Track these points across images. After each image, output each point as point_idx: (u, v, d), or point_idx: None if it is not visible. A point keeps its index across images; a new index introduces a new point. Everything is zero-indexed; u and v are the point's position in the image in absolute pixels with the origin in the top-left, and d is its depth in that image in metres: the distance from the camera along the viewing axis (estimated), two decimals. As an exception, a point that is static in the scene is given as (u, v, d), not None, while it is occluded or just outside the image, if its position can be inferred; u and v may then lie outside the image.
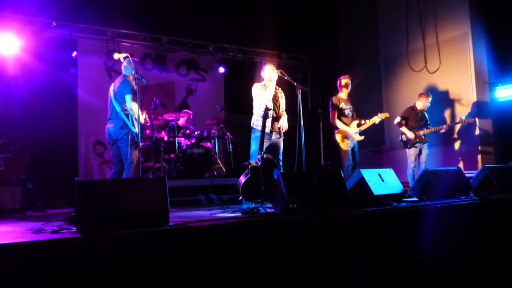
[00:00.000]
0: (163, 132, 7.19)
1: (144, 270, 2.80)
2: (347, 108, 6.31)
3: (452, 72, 8.32)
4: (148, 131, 7.00)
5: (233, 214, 4.21)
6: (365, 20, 10.20)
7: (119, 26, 8.04)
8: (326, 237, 3.53)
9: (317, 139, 8.22)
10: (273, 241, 3.30)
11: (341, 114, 6.30)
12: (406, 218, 4.09)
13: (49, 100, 7.45)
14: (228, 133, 7.72)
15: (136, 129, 4.87)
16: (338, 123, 6.27)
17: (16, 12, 7.10)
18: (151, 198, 3.32)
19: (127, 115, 4.98)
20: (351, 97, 6.55)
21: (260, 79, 5.50)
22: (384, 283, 3.66)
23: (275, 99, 5.33)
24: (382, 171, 4.82)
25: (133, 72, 4.81)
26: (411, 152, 6.84)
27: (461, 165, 7.89)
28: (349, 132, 6.20)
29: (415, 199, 4.89)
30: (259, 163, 4.68)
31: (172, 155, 7.00)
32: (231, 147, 7.76)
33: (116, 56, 5.04)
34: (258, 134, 5.03)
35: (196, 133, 7.29)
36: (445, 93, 8.46)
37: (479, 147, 7.89)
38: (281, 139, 5.37)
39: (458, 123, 6.78)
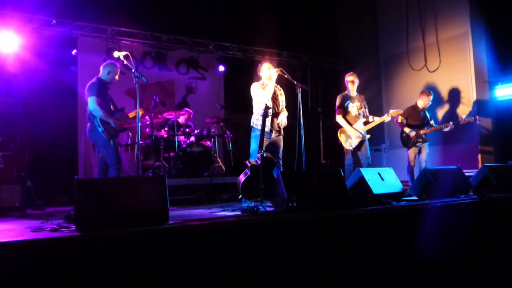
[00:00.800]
0: (163, 130, 7.19)
1: (143, 269, 2.80)
2: (353, 106, 6.18)
3: (452, 71, 8.32)
4: (148, 129, 7.00)
5: (232, 212, 4.21)
6: (365, 18, 10.20)
7: (119, 24, 8.03)
8: (325, 236, 3.53)
9: (317, 138, 8.21)
10: (272, 240, 3.30)
11: (346, 112, 6.21)
12: (406, 217, 4.09)
13: (49, 98, 7.43)
14: (228, 132, 7.72)
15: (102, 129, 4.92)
16: (341, 121, 6.16)
17: (16, 10, 7.10)
18: (151, 197, 3.32)
19: (93, 118, 4.98)
20: (363, 94, 6.44)
21: (259, 78, 5.48)
22: (383, 282, 3.66)
23: (274, 97, 5.32)
24: (382, 170, 4.82)
25: (133, 70, 4.80)
26: (411, 151, 6.82)
27: (460, 164, 7.88)
28: (351, 131, 6.11)
29: (414, 198, 4.89)
30: (259, 162, 4.67)
31: (172, 154, 7.00)
32: (231, 145, 7.75)
33: (116, 54, 5.05)
34: (258, 133, 5.02)
35: (196, 131, 7.28)
36: (445, 92, 8.45)
37: (479, 146, 7.89)
38: (281, 137, 5.35)
39: (458, 122, 6.77)
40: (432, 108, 7.19)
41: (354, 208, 4.02)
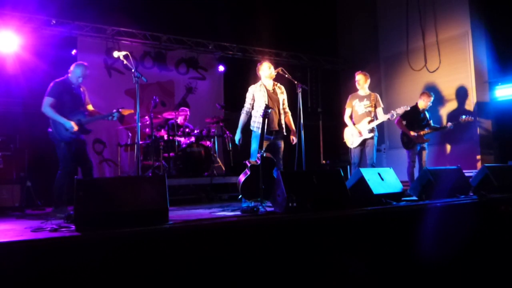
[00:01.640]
0: (162, 130, 7.18)
1: (143, 269, 2.80)
2: (361, 104, 6.19)
3: (452, 71, 8.31)
4: (147, 130, 6.99)
5: (232, 212, 4.21)
6: (365, 18, 10.19)
7: (119, 24, 8.03)
8: (325, 236, 3.52)
9: (316, 138, 8.22)
10: (272, 239, 3.30)
11: (354, 110, 6.27)
12: (406, 217, 4.09)
13: (48, 98, 7.41)
14: (227, 132, 7.71)
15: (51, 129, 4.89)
16: (346, 120, 6.29)
17: (16, 9, 7.09)
18: (151, 197, 3.32)
19: (48, 118, 4.91)
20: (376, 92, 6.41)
21: (258, 78, 5.45)
22: (383, 281, 3.66)
23: (274, 97, 5.30)
24: (382, 170, 4.81)
25: (133, 70, 4.80)
26: (410, 152, 6.82)
27: (460, 164, 7.87)
28: (353, 130, 6.16)
29: (414, 198, 4.89)
30: (259, 162, 4.67)
31: (171, 154, 7.00)
32: (230, 145, 7.75)
33: (115, 54, 5.05)
34: (258, 133, 5.02)
35: (195, 131, 7.28)
36: (445, 92, 8.45)
37: (479, 147, 7.89)
38: (281, 137, 5.34)
39: (458, 122, 6.77)
40: (432, 109, 7.18)
41: (354, 208, 4.01)
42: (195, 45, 8.96)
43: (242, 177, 4.78)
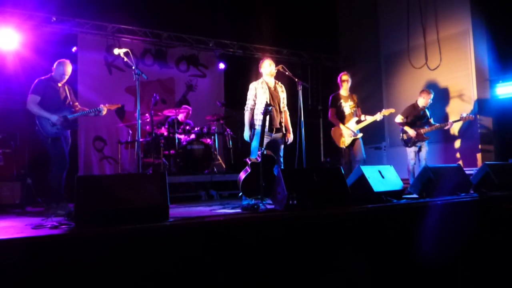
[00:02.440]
0: (163, 128, 7.18)
1: (143, 266, 2.80)
2: (346, 105, 6.31)
3: (452, 69, 8.30)
4: (148, 127, 6.99)
5: (233, 210, 4.21)
6: (366, 16, 10.17)
7: (119, 21, 8.02)
8: (326, 233, 3.52)
9: (317, 136, 8.22)
10: (273, 237, 3.30)
11: (339, 111, 6.32)
12: (406, 215, 4.09)
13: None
14: (228, 129, 7.71)
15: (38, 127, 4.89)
16: (334, 120, 6.32)
17: (16, 6, 7.09)
18: (151, 194, 3.32)
19: (39, 117, 4.90)
20: (356, 94, 6.55)
21: (259, 75, 5.46)
22: (384, 279, 3.66)
23: (275, 95, 5.29)
24: (382, 167, 4.81)
25: (133, 67, 4.79)
26: (411, 149, 6.82)
27: (461, 162, 7.88)
28: (344, 130, 6.21)
29: (415, 196, 4.89)
30: (259, 160, 4.67)
31: (172, 151, 7.00)
32: (231, 143, 7.75)
33: (116, 51, 5.03)
34: (259, 130, 5.02)
35: (196, 129, 7.27)
36: (446, 90, 8.44)
37: (479, 144, 7.88)
38: (282, 134, 5.33)
39: (459, 120, 6.76)
40: (433, 106, 7.17)
41: (354, 205, 4.02)
42: (196, 42, 8.95)
43: (242, 175, 4.78)
